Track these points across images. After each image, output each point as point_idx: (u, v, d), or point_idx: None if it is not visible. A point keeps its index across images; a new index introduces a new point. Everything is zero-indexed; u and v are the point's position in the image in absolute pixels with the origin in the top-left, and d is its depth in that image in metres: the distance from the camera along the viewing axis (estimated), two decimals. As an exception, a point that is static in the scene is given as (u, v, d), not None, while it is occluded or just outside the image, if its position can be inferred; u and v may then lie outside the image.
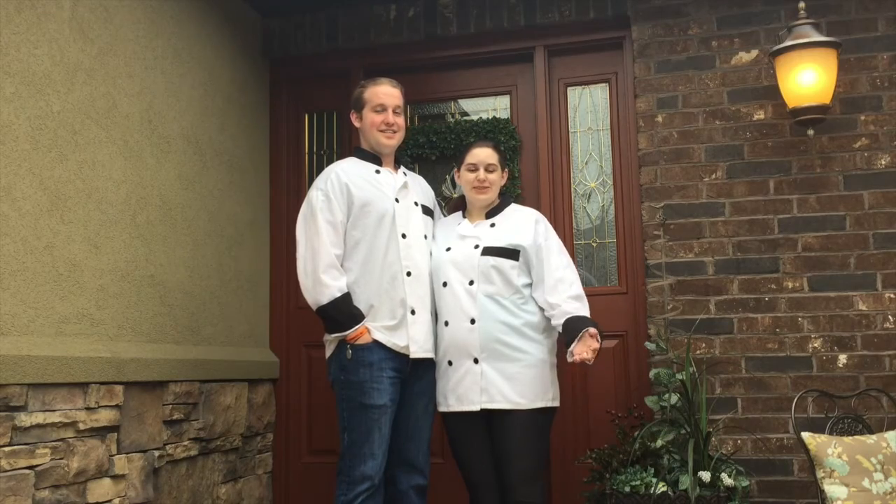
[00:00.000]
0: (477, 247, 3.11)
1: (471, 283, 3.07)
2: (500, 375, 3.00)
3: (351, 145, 4.27)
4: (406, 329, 3.02)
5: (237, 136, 4.07)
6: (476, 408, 3.02)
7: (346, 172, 3.13)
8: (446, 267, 3.11)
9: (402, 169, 3.31)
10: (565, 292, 3.04)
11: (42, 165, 2.78)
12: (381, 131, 3.17)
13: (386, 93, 3.19)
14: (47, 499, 2.65)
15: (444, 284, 3.10)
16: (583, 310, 3.05)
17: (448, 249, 3.15)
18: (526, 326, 3.05)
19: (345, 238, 3.07)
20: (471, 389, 3.02)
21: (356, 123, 3.26)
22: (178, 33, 3.62)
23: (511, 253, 3.09)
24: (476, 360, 3.02)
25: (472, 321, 3.03)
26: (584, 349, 2.93)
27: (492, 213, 3.23)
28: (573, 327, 2.97)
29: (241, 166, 4.10)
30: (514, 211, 3.25)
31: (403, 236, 3.08)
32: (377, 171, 3.18)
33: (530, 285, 3.12)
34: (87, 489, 2.85)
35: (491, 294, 3.05)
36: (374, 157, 3.22)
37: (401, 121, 3.22)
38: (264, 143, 4.36)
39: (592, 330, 2.96)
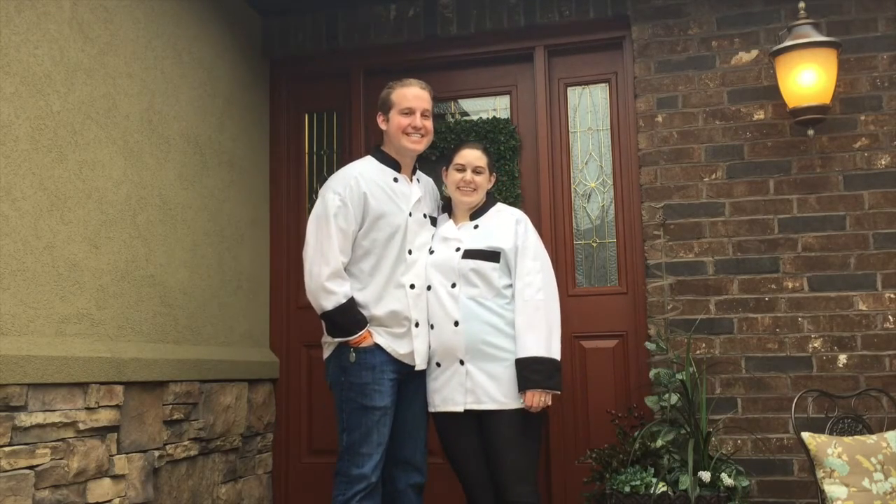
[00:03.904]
0: (458, 249, 3.10)
1: (453, 285, 3.06)
2: (485, 376, 3.00)
3: (351, 146, 4.28)
4: (410, 340, 3.04)
5: (237, 136, 4.07)
6: (459, 408, 3.02)
7: (366, 179, 3.06)
8: (430, 270, 3.11)
9: (417, 175, 3.27)
10: (526, 307, 3.01)
11: (42, 165, 2.78)
12: (408, 135, 3.10)
13: (415, 95, 3.11)
14: (47, 499, 2.65)
15: (429, 288, 3.10)
16: (532, 343, 2.97)
17: (431, 252, 3.15)
18: (509, 326, 3.03)
19: (354, 245, 3.04)
20: (456, 390, 3.03)
21: (382, 126, 3.17)
22: (178, 33, 3.62)
23: (491, 255, 3.07)
24: (462, 362, 3.03)
25: (456, 323, 3.03)
26: (530, 403, 2.98)
27: (476, 214, 3.21)
28: (518, 374, 2.97)
29: (241, 166, 4.10)
30: (498, 212, 3.22)
31: (410, 252, 3.08)
32: (395, 180, 3.13)
33: (512, 285, 3.10)
34: (87, 489, 2.85)
35: (473, 296, 3.04)
36: (394, 162, 3.16)
37: (429, 124, 3.14)
38: (264, 143, 4.36)
39: (529, 395, 2.96)
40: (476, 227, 3.17)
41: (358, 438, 2.95)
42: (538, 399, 2.97)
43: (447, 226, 3.20)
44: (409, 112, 3.10)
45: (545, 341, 2.98)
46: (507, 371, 2.99)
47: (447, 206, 3.34)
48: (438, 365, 3.08)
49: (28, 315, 2.67)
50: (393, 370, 3.01)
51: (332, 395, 3.10)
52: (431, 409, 3.11)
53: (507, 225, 3.13)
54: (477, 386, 3.00)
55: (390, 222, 3.05)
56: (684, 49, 3.83)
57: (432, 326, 3.08)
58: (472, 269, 3.05)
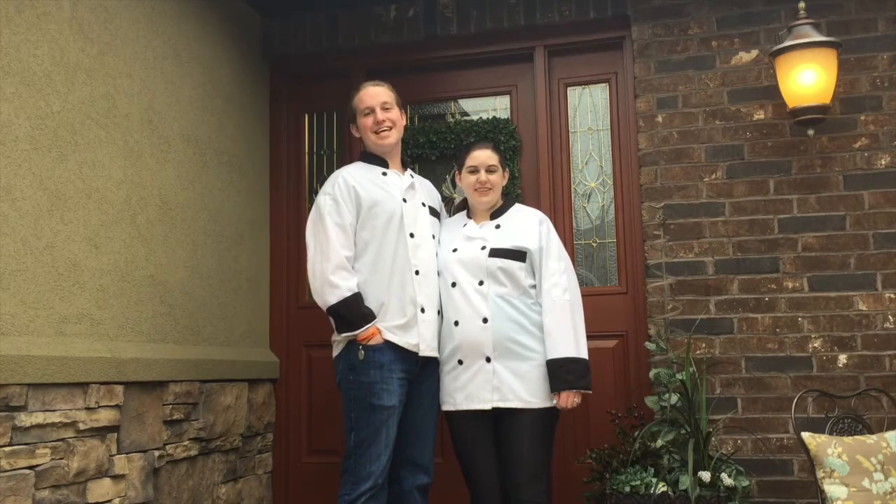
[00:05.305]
0: (484, 248, 3.12)
1: (480, 283, 3.08)
2: (512, 374, 3.01)
3: (351, 146, 4.28)
4: (417, 327, 3.03)
5: (237, 136, 4.07)
6: (487, 406, 3.02)
7: (353, 176, 3.15)
8: (454, 267, 3.12)
9: (409, 171, 3.33)
10: (554, 308, 3.04)
11: (42, 165, 2.78)
12: (376, 133, 3.18)
13: (369, 94, 3.21)
14: (47, 499, 2.65)
15: (454, 285, 3.11)
16: (563, 344, 3.01)
17: (455, 250, 3.16)
18: (536, 326, 3.06)
19: (354, 240, 3.07)
20: (482, 388, 3.03)
21: (356, 134, 3.31)
22: (178, 33, 3.62)
23: (517, 254, 3.10)
24: (488, 359, 3.03)
25: (485, 320, 3.03)
26: (564, 404, 3.03)
27: (496, 213, 3.24)
28: (552, 375, 3.01)
29: (241, 166, 4.10)
30: (518, 212, 3.26)
31: (412, 235, 3.09)
32: (384, 174, 3.20)
33: (535, 285, 3.13)
34: (87, 489, 2.85)
35: (502, 294, 3.06)
36: (381, 160, 3.23)
37: (393, 115, 3.21)
38: (264, 143, 4.36)
39: (564, 396, 3.00)
40: (498, 226, 3.19)
41: (366, 438, 2.95)
42: (571, 400, 3.02)
43: (469, 225, 3.22)
44: (370, 111, 3.19)
45: (574, 342, 3.03)
46: (533, 371, 3.02)
47: (461, 207, 3.36)
48: (461, 362, 3.07)
49: (28, 315, 2.67)
50: (402, 369, 3.01)
51: (341, 393, 3.10)
52: (451, 408, 3.10)
53: (531, 225, 3.17)
54: (503, 384, 3.01)
55: (385, 209, 3.09)
56: (684, 49, 3.83)
57: (456, 323, 3.07)
58: (500, 267, 3.08)
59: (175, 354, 3.39)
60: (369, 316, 2.99)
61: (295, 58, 4.40)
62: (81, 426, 2.82)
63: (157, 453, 3.22)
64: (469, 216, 3.28)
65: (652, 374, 3.53)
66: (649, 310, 3.74)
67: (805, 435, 3.03)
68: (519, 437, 3.01)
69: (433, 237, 3.19)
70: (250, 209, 4.16)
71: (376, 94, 3.20)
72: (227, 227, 3.93)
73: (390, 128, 3.19)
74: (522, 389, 3.00)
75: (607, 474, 3.30)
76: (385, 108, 3.19)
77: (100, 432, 2.93)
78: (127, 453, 3.06)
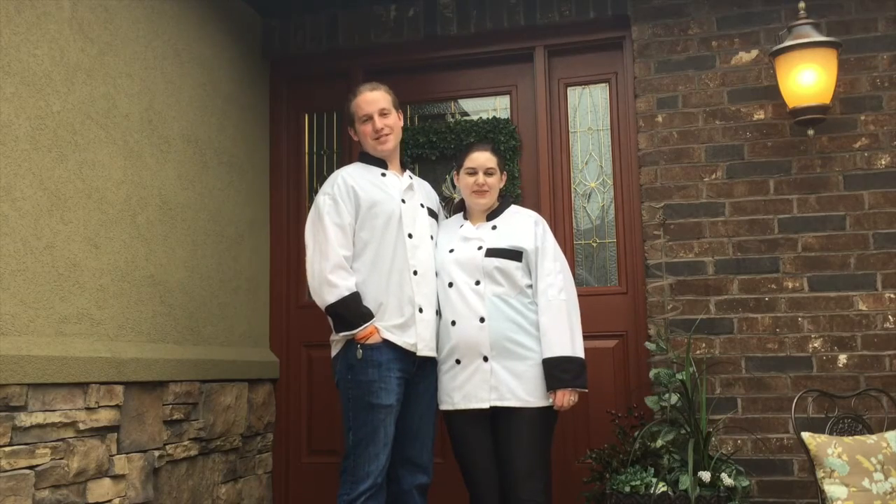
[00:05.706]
0: (480, 248, 3.13)
1: (477, 283, 3.09)
2: (509, 374, 3.02)
3: (351, 146, 4.28)
4: (415, 327, 3.04)
5: (237, 136, 4.07)
6: (485, 405, 3.02)
7: (352, 176, 3.16)
8: (451, 267, 3.13)
9: (408, 172, 3.34)
10: (550, 307, 3.06)
11: (42, 165, 2.78)
12: (375, 139, 3.19)
13: (366, 101, 3.19)
14: (47, 499, 2.65)
15: (451, 285, 3.12)
16: (559, 343, 3.03)
17: (451, 251, 3.17)
18: (532, 325, 3.07)
19: (353, 240, 3.08)
20: (479, 387, 3.03)
21: (355, 138, 3.31)
22: (178, 33, 3.62)
23: (514, 254, 3.11)
24: (486, 359, 3.04)
25: (482, 320, 3.04)
26: (560, 402, 3.03)
27: (492, 214, 3.25)
28: (548, 374, 3.02)
29: (241, 166, 4.10)
30: (514, 213, 3.27)
31: (410, 236, 3.10)
32: (383, 174, 3.20)
33: (532, 285, 3.13)
34: (87, 489, 2.85)
35: (499, 294, 3.08)
36: (380, 161, 3.24)
37: (390, 120, 3.20)
38: (264, 143, 4.36)
39: (559, 394, 3.01)
40: (494, 227, 3.21)
41: (364, 437, 2.95)
42: (567, 398, 3.03)
43: (465, 226, 3.24)
44: (367, 118, 3.19)
45: (570, 341, 3.04)
46: (530, 369, 3.03)
47: (459, 208, 3.36)
48: (458, 362, 3.08)
49: (28, 315, 2.67)
50: (400, 368, 3.01)
51: (339, 393, 3.10)
52: (448, 407, 3.11)
53: (526, 226, 3.18)
54: (501, 383, 3.02)
55: (384, 209, 3.10)
56: (684, 49, 3.83)
57: (454, 323, 3.08)
58: (497, 267, 3.09)
59: (175, 354, 3.39)
60: (367, 315, 3.00)
61: (295, 58, 4.40)
62: (81, 426, 2.82)
63: (157, 453, 3.22)
64: (465, 217, 3.29)
65: (652, 374, 3.53)
66: (649, 310, 3.74)
67: (805, 435, 3.03)
68: (517, 435, 3.01)
69: (431, 238, 3.20)
70: (250, 209, 4.16)
71: (373, 101, 3.19)
72: (227, 227, 3.93)
73: (389, 134, 3.20)
74: (520, 388, 3.01)
75: (607, 474, 3.30)
76: (383, 114, 3.18)
77: (100, 432, 2.93)
78: (127, 453, 3.06)
